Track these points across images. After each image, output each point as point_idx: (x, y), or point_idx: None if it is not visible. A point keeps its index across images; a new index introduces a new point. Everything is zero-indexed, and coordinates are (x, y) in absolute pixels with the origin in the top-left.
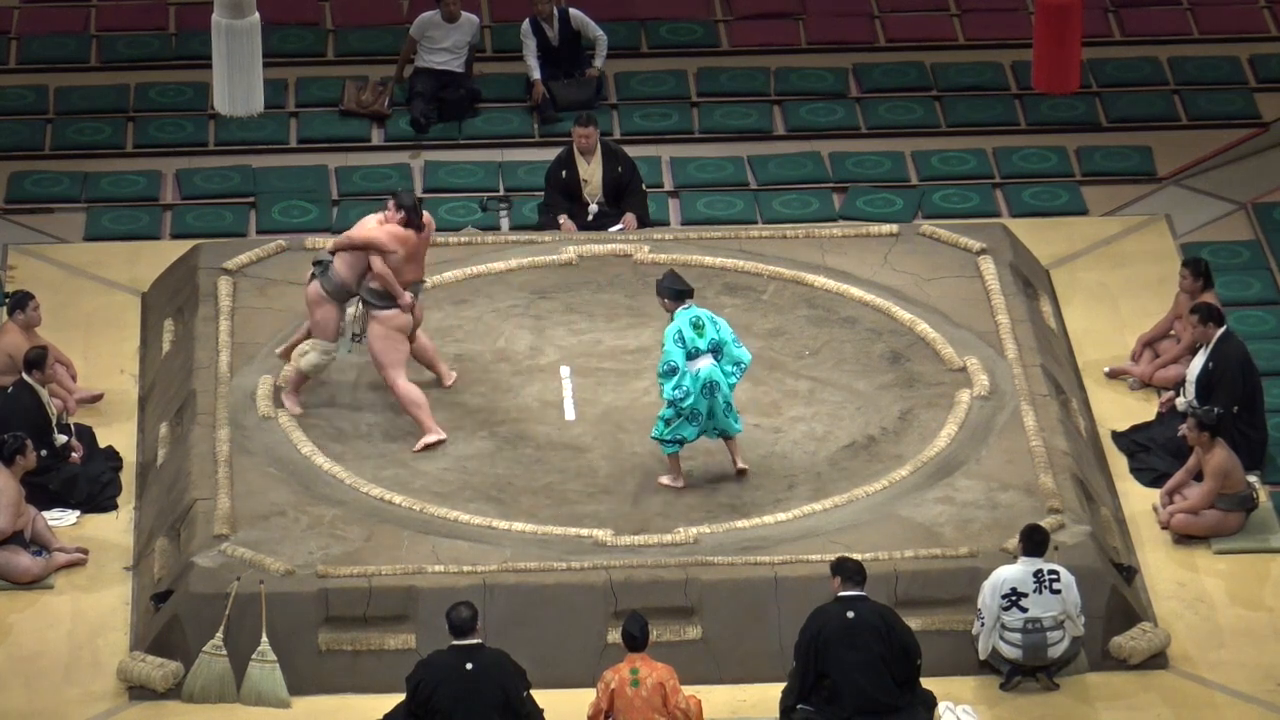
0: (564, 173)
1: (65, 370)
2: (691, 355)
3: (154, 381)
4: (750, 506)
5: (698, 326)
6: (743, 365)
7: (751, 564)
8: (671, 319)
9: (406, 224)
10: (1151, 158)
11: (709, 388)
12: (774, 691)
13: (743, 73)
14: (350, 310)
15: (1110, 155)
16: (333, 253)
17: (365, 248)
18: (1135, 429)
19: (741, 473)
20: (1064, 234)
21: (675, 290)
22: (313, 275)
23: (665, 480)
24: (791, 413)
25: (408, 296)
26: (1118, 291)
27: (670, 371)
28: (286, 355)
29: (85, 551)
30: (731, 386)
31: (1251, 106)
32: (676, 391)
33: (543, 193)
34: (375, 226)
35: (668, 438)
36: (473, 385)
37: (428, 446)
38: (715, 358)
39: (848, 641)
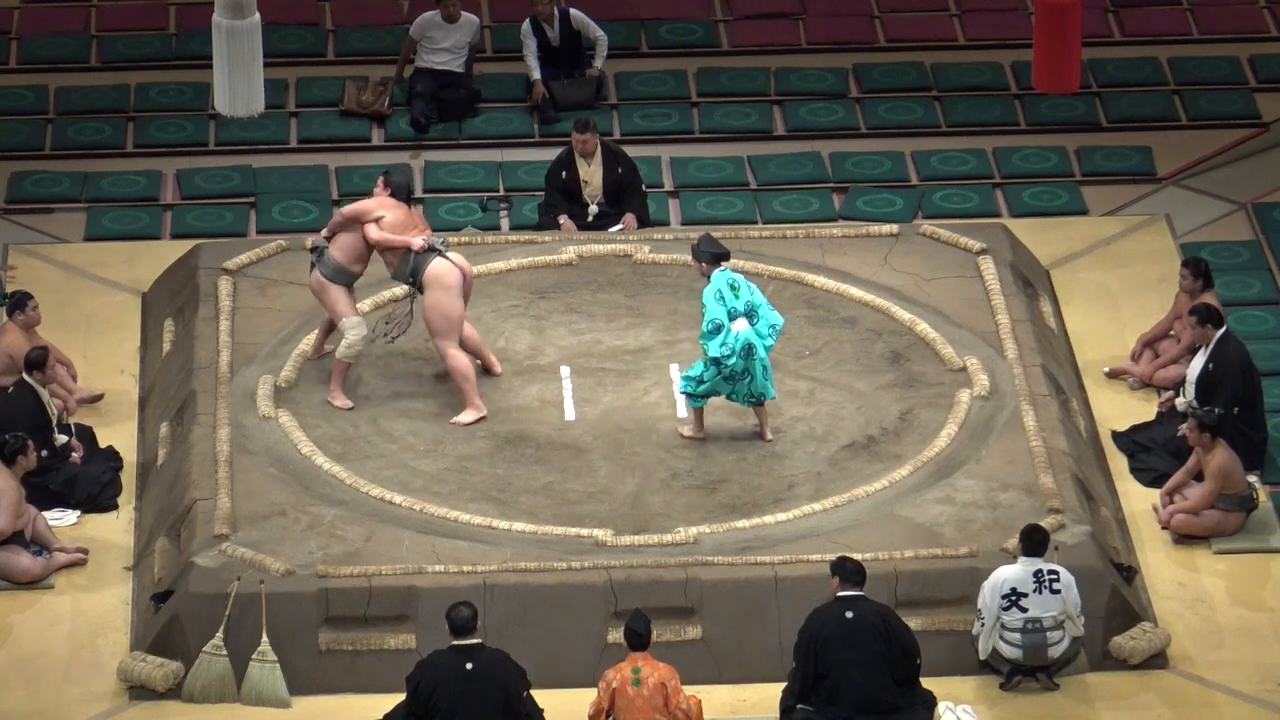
0: (564, 173)
1: (65, 370)
2: (731, 316)
3: (154, 381)
4: (750, 506)
5: (734, 288)
6: (777, 328)
7: (751, 564)
8: (709, 282)
9: (393, 195)
10: (1151, 158)
11: (747, 350)
12: (774, 691)
13: (743, 73)
14: (393, 308)
15: (1110, 155)
16: (328, 237)
17: (356, 218)
18: (1135, 429)
19: (767, 441)
20: (1064, 234)
21: (713, 254)
22: (313, 265)
23: (687, 432)
24: (791, 413)
25: (417, 241)
26: (1118, 291)
27: (715, 329)
28: (317, 353)
29: (85, 551)
30: (768, 349)
31: (1251, 106)
32: (723, 349)
33: (543, 193)
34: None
35: (700, 393)
36: None
37: (470, 423)
38: (750, 321)
39: (847, 641)
